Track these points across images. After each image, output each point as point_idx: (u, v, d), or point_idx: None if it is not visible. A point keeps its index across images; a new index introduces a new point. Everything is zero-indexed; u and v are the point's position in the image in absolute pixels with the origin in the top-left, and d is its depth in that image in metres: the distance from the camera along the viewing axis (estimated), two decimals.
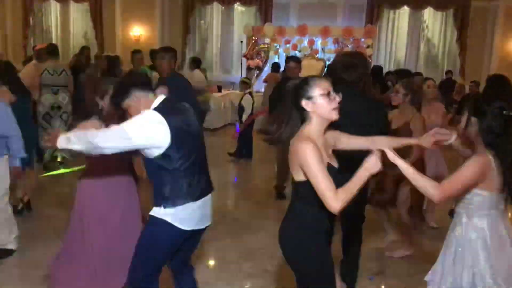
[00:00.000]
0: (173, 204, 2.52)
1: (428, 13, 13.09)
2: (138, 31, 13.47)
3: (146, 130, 2.43)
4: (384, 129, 3.12)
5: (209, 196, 2.72)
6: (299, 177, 2.22)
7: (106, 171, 3.19)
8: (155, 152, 2.48)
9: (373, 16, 12.86)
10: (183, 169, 2.53)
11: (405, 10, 13.09)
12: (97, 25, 13.61)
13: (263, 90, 10.28)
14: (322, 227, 2.31)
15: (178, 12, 13.59)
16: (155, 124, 2.44)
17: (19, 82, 5.08)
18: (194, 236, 2.71)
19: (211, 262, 4.24)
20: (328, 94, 2.20)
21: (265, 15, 13.10)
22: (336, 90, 2.23)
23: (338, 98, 2.21)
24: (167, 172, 2.52)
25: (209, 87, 10.36)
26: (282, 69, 8.90)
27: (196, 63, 9.76)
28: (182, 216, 2.55)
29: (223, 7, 13.66)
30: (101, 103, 3.08)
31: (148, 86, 2.65)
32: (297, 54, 11.59)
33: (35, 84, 6.48)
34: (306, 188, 2.17)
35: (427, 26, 13.23)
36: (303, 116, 2.25)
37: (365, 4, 12.94)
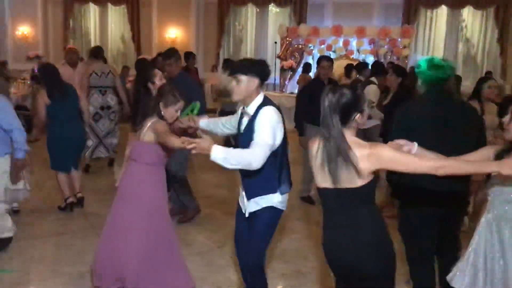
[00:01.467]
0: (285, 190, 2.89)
1: (467, 12, 12.77)
2: (173, 33, 13.67)
3: (278, 130, 2.75)
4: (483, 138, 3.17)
5: None
6: (360, 182, 2.23)
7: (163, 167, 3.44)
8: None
9: (410, 16, 12.66)
10: (285, 160, 2.88)
11: (443, 9, 12.82)
12: (134, 27, 13.90)
13: (296, 91, 10.25)
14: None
15: (213, 14, 13.73)
16: (280, 124, 2.77)
17: (61, 84, 5.21)
18: None
19: None
20: None
21: (300, 15, 13.07)
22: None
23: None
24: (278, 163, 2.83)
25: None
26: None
27: (229, 64, 9.75)
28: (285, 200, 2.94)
29: (258, 8, 13.71)
30: (163, 110, 3.18)
31: None
32: (331, 54, 11.49)
33: (84, 84, 6.68)
34: (370, 190, 2.28)
35: (466, 26, 12.92)
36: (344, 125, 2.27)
37: (402, 3, 12.74)
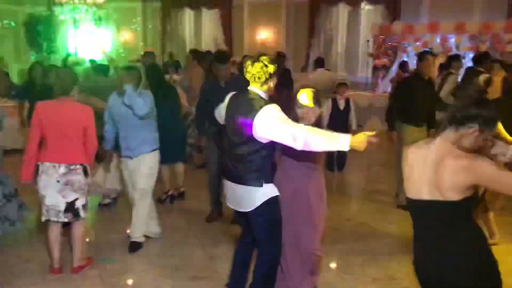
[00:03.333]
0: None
1: None
2: (264, 35, 13.85)
3: None
4: None
5: None
6: (458, 196, 2.07)
7: None
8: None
9: None
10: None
11: None
12: (227, 30, 14.29)
13: (389, 90, 9.91)
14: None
15: (303, 15, 13.71)
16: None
17: (165, 84, 5.57)
18: None
19: (334, 264, 4.18)
20: None
21: (393, 13, 12.62)
22: None
23: None
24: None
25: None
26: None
27: (319, 63, 9.68)
28: None
29: (350, 8, 13.45)
30: (298, 111, 3.21)
31: None
32: None
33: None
34: (468, 206, 2.11)
35: None
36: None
37: None
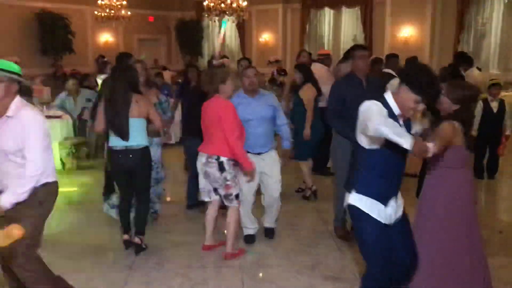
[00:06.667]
0: None
1: None
2: (407, 32, 13.25)
3: None
4: None
5: None
6: None
7: None
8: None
9: None
10: None
11: None
12: (367, 28, 13.98)
13: None
14: None
15: (451, 9, 12.81)
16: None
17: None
18: None
19: None
20: None
21: None
22: None
23: None
24: None
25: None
26: None
27: (467, 60, 8.23)
28: None
29: None
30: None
31: None
32: None
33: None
34: None
35: None
36: None
37: None
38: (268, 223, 4.69)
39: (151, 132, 4.41)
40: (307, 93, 5.70)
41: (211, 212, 4.31)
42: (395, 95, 2.66)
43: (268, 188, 4.49)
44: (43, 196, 2.94)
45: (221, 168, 3.97)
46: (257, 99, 4.39)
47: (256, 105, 4.33)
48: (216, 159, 3.97)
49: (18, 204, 2.81)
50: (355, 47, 4.58)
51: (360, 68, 4.29)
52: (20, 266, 2.89)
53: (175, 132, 8.59)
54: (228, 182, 4.02)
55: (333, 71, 6.94)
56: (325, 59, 7.18)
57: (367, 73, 4.36)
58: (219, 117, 3.91)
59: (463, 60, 8.09)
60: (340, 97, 4.29)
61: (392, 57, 7.04)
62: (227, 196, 4.07)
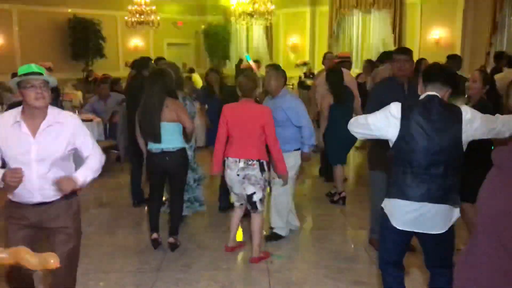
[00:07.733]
0: None
1: None
2: (437, 34, 13.01)
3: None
4: None
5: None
6: None
7: None
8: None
9: None
10: None
11: None
12: (396, 30, 13.77)
13: None
14: None
15: (484, 10, 12.51)
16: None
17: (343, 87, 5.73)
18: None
19: None
20: None
21: None
22: None
23: None
24: None
25: None
26: None
27: (504, 59, 8.11)
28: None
29: None
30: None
31: None
32: None
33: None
34: None
35: None
36: None
37: None
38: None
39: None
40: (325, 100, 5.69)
41: (237, 215, 4.36)
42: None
43: (273, 189, 4.63)
44: (77, 207, 2.92)
45: (262, 169, 4.06)
46: (274, 101, 4.51)
47: (271, 108, 4.31)
48: (257, 161, 4.03)
49: (57, 212, 2.76)
50: (395, 50, 4.47)
51: (400, 71, 4.08)
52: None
53: (199, 135, 8.62)
54: (266, 183, 4.13)
55: (371, 75, 6.89)
56: (344, 62, 7.02)
57: (410, 76, 4.12)
58: (263, 123, 3.99)
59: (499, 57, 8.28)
60: (379, 100, 4.16)
61: (454, 58, 6.46)
62: (256, 201, 4.08)
